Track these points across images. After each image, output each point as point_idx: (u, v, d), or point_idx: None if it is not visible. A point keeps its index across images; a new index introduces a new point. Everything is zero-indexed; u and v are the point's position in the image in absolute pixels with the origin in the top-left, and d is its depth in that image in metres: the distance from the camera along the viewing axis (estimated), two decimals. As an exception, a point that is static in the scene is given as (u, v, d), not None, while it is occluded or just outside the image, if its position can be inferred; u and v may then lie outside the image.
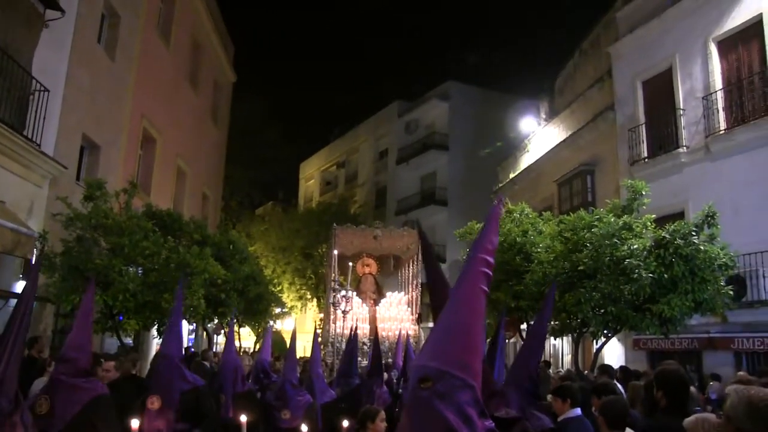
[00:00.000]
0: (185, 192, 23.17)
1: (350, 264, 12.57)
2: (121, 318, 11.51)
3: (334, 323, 13.09)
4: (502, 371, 4.93)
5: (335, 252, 13.24)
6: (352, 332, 9.99)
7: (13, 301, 11.58)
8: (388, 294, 16.57)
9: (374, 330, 14.63)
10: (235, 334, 20.25)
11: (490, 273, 2.29)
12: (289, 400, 7.46)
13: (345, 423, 5.61)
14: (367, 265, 17.67)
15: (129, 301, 11.00)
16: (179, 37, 21.95)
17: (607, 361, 14.55)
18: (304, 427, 6.27)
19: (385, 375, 10.48)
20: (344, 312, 12.26)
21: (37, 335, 11.28)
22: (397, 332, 14.23)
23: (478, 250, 2.33)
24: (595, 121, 20.57)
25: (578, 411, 5.45)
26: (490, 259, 2.31)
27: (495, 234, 2.45)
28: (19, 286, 11.91)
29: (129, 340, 13.31)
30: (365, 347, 13.42)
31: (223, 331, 20.03)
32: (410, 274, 16.81)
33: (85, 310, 5.11)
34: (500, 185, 28.14)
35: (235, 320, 16.75)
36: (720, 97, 15.96)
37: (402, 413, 2.32)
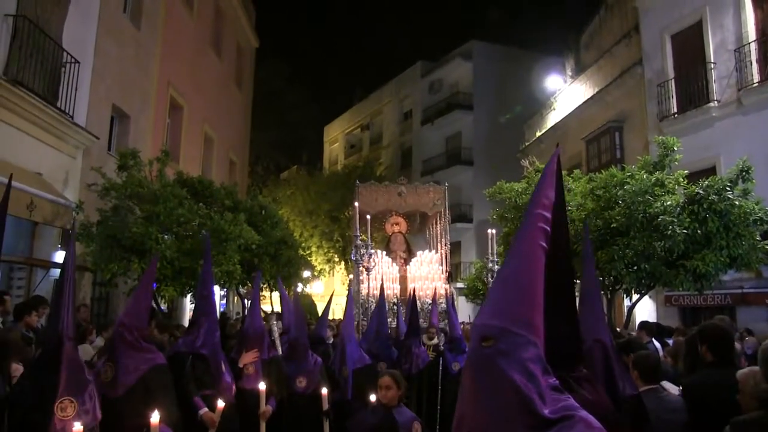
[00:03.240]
0: (213, 158, 23.32)
1: (367, 217, 12.36)
2: (155, 285, 11.68)
3: (362, 283, 13.09)
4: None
5: (356, 204, 13.08)
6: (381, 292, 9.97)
7: (54, 271, 11.88)
8: (419, 253, 16.46)
9: (405, 290, 14.71)
10: (266, 298, 20.57)
11: (549, 229, 2.23)
12: (302, 366, 7.20)
13: (372, 398, 5.65)
14: (396, 224, 17.48)
15: (166, 268, 11.14)
16: (202, 3, 21.89)
17: (638, 319, 14.58)
18: (324, 390, 6.35)
19: (436, 339, 10.40)
20: (367, 270, 12.16)
21: (80, 303, 11.56)
22: (428, 291, 14.28)
23: (535, 206, 2.28)
24: (622, 77, 20.28)
25: None
26: (548, 215, 2.25)
27: (551, 188, 2.35)
28: (58, 256, 12.17)
29: (163, 307, 13.54)
30: (395, 307, 13.44)
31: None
32: (438, 232, 16.71)
33: (147, 281, 5.29)
34: (526, 144, 27.96)
35: (264, 284, 16.94)
36: (753, 48, 15.63)
37: (463, 372, 2.24)
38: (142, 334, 5.00)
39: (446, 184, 16.85)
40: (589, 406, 2.13)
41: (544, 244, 2.20)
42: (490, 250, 10.83)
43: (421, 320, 11.69)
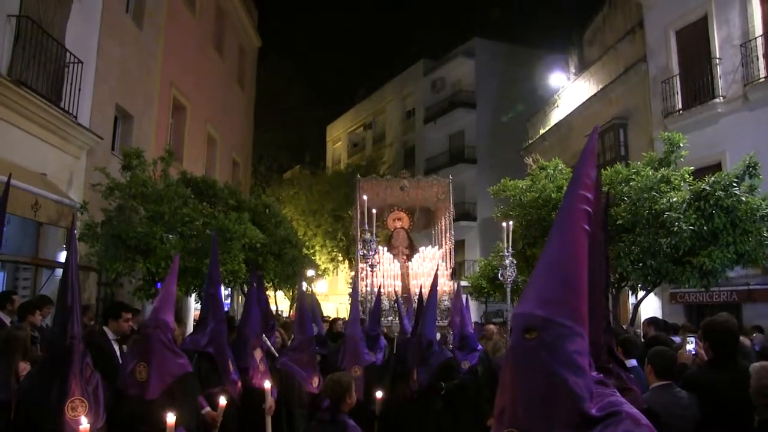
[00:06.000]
0: (216, 158, 23.32)
1: (373, 211, 12.04)
2: (159, 285, 11.65)
3: (363, 281, 12.91)
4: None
5: (365, 197, 12.70)
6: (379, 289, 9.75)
7: (59, 271, 11.86)
8: (421, 249, 16.22)
9: (406, 287, 14.59)
10: (270, 297, 20.52)
11: (591, 210, 2.11)
12: (312, 366, 7.14)
13: (379, 394, 5.47)
14: (398, 219, 17.17)
15: (172, 268, 11.11)
16: (204, 4, 21.89)
17: (644, 315, 14.53)
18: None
19: (438, 335, 10.30)
20: (372, 266, 11.95)
21: (88, 304, 11.55)
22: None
23: (577, 187, 2.15)
24: (626, 73, 20.22)
25: None
26: (590, 195, 2.12)
27: (592, 167, 2.21)
28: (64, 256, 12.13)
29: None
30: (396, 305, 13.32)
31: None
32: (442, 227, 16.45)
33: (171, 281, 5.32)
34: (530, 141, 27.89)
35: (269, 283, 16.87)
36: (760, 43, 15.54)
37: (504, 365, 2.12)
38: (172, 335, 5.03)
39: (450, 176, 16.54)
40: None
41: (587, 227, 2.10)
42: (506, 243, 10.47)
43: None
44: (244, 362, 6.62)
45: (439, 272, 10.33)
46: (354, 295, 9.11)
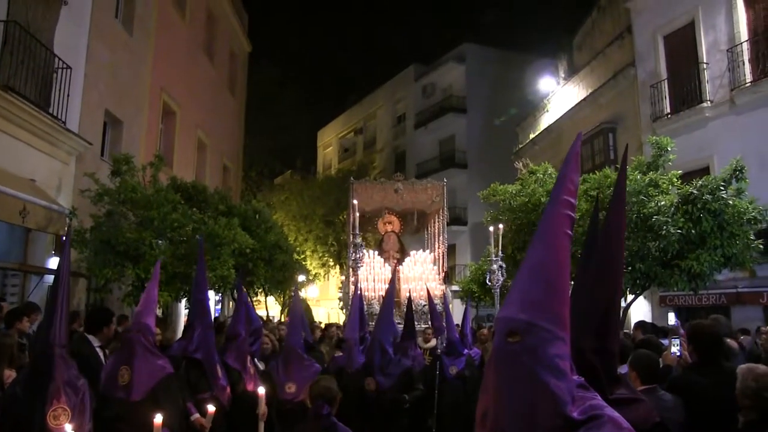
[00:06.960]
0: (206, 164, 23.28)
1: (356, 213, 11.94)
2: (151, 290, 11.58)
3: (353, 285, 12.86)
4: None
5: (355, 202, 12.55)
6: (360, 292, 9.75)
7: (48, 277, 11.82)
8: (412, 252, 16.13)
9: (397, 291, 14.51)
10: (260, 303, 20.44)
11: (573, 215, 2.12)
12: (295, 372, 6.98)
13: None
14: (389, 223, 17.05)
15: (160, 274, 11.06)
16: (194, 9, 21.88)
17: (634, 319, 14.57)
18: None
19: (433, 341, 10.33)
20: (354, 269, 11.87)
21: (77, 310, 11.51)
22: (422, 293, 14.09)
23: (560, 192, 2.16)
24: (615, 78, 20.32)
25: None
26: (573, 201, 2.14)
27: (576, 173, 2.22)
28: (52, 262, 12.11)
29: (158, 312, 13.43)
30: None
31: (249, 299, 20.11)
32: (435, 231, 16.36)
33: (153, 285, 5.36)
34: (520, 146, 27.97)
35: (259, 288, 16.80)
36: (745, 48, 15.71)
37: (486, 368, 2.13)
38: (154, 338, 5.05)
39: (445, 180, 16.45)
40: None
41: (570, 232, 2.10)
42: (494, 248, 10.44)
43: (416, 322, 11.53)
44: (237, 363, 6.65)
45: (394, 278, 10.35)
46: (354, 299, 9.11)
